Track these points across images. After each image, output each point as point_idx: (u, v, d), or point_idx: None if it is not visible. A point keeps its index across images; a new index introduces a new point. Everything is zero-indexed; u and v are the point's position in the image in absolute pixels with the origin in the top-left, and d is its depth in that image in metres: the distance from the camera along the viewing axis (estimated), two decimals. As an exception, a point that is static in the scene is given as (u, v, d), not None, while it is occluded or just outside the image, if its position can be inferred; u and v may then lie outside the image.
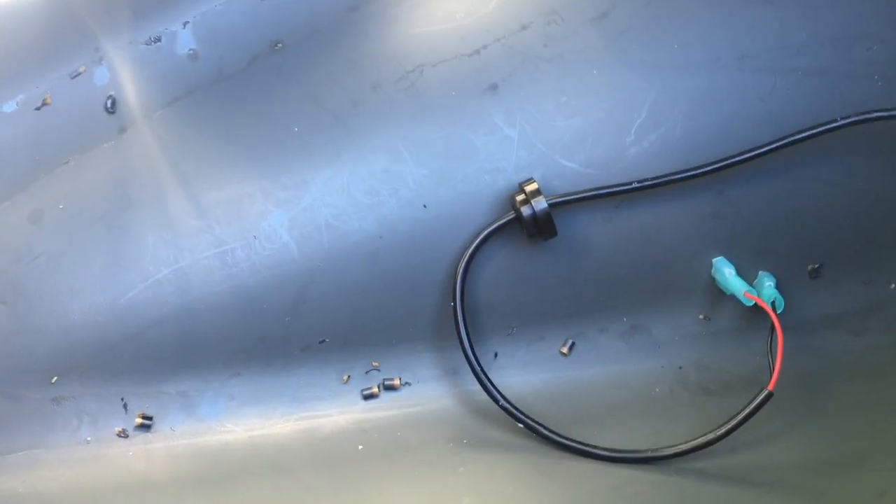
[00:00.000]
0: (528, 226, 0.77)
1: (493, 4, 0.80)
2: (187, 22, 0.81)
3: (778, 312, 0.75)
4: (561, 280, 0.80)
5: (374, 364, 0.82)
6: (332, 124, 0.80)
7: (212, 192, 0.80)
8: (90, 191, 0.80)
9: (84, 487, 0.74)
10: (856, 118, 0.73)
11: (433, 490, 0.70)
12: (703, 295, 0.81)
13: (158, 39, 0.81)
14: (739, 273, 0.79)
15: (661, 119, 0.77)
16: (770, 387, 0.69)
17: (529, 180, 0.77)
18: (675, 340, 0.81)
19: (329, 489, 0.72)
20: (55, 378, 0.79)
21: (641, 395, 0.79)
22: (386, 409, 0.81)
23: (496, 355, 0.82)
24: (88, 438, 0.79)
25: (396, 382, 0.81)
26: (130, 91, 0.81)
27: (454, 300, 0.78)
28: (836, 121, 0.74)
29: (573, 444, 0.73)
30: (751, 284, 0.78)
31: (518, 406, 0.76)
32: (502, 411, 0.76)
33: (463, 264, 0.77)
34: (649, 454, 0.71)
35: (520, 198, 0.77)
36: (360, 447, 0.77)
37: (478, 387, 0.77)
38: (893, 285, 0.80)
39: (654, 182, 0.76)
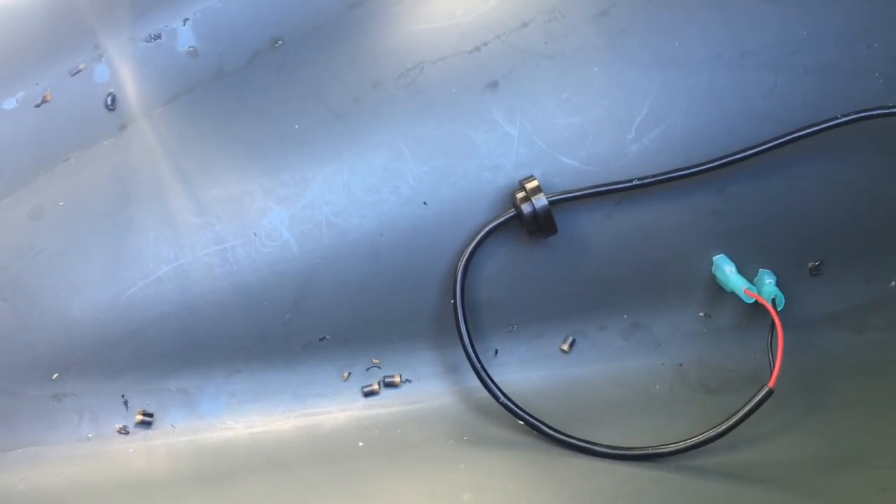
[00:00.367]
0: (529, 223, 0.77)
1: (493, 2, 0.79)
2: (187, 19, 0.81)
3: (778, 310, 0.75)
4: (561, 277, 0.80)
5: (375, 361, 0.82)
6: (332, 121, 0.80)
7: (212, 190, 0.80)
8: (90, 188, 0.80)
9: (84, 484, 0.74)
10: (857, 115, 0.73)
11: (434, 487, 0.70)
12: (703, 292, 0.81)
13: (158, 36, 0.81)
14: (740, 270, 0.79)
15: (662, 116, 0.77)
16: (770, 384, 0.69)
17: (530, 177, 0.77)
18: (676, 338, 0.81)
19: (329, 486, 0.72)
20: (56, 375, 0.79)
21: (642, 393, 0.79)
22: (386, 406, 0.81)
23: (496, 352, 0.82)
24: (89, 435, 0.79)
25: (397, 379, 0.81)
26: (130, 88, 0.81)
27: (454, 297, 0.78)
28: (836, 118, 0.74)
29: (573, 441, 0.73)
30: (751, 282, 0.78)
31: (518, 403, 0.76)
32: (503, 408, 0.76)
33: (463, 261, 0.77)
34: (650, 451, 0.71)
35: (520, 195, 0.77)
36: (361, 444, 0.77)
37: (478, 384, 0.77)
38: (894, 282, 0.80)
39: (654, 179, 0.76)
